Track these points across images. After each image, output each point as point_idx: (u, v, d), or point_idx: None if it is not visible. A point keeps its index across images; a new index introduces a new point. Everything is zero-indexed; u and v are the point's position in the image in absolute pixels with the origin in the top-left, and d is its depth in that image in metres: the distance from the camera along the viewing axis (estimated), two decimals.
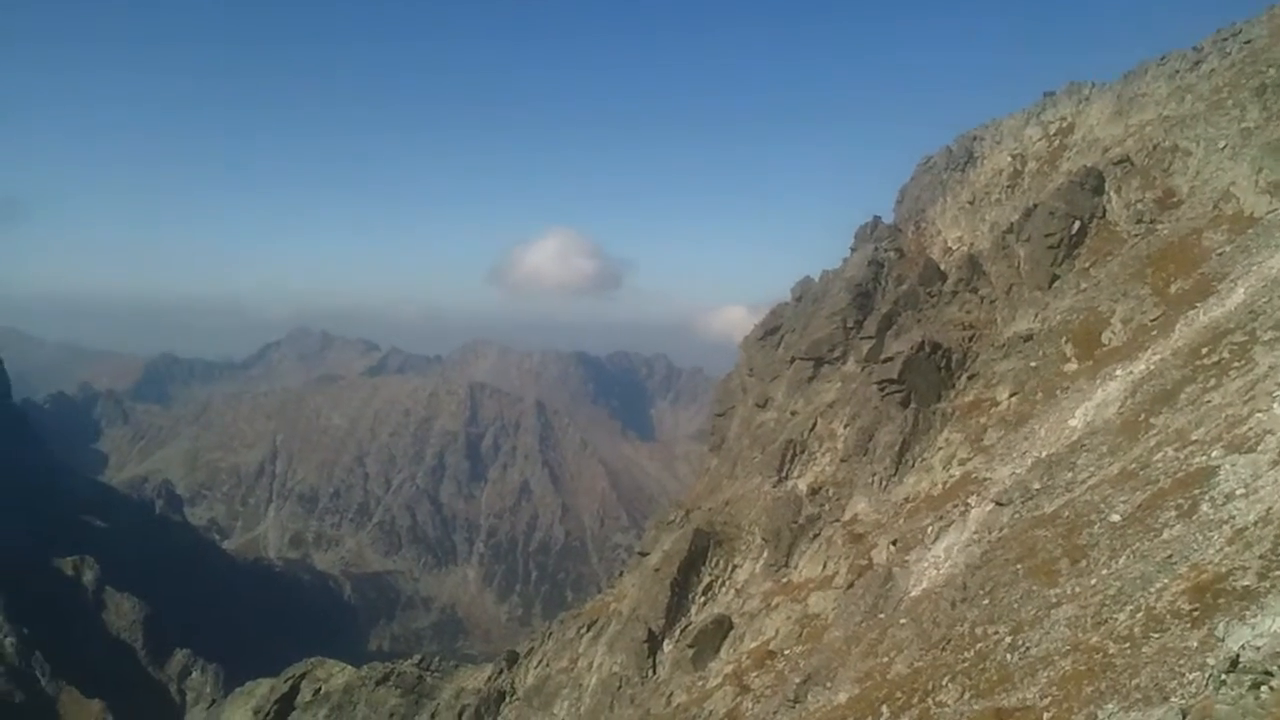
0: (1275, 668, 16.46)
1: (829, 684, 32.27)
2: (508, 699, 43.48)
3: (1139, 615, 25.31)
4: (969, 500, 42.75)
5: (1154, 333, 48.48)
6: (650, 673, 39.08)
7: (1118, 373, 46.63)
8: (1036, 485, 38.63)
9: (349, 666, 58.38)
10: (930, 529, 42.30)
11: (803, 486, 53.60)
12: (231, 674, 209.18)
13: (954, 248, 79.28)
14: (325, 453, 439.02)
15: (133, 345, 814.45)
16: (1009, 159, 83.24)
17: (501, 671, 46.23)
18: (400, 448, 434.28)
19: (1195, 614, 24.18)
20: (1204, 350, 41.68)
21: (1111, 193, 64.54)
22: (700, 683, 37.12)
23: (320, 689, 55.63)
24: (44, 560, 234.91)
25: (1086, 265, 61.73)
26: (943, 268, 74.41)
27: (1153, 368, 44.06)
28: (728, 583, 45.73)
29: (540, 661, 43.96)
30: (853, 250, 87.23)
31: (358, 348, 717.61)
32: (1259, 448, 30.11)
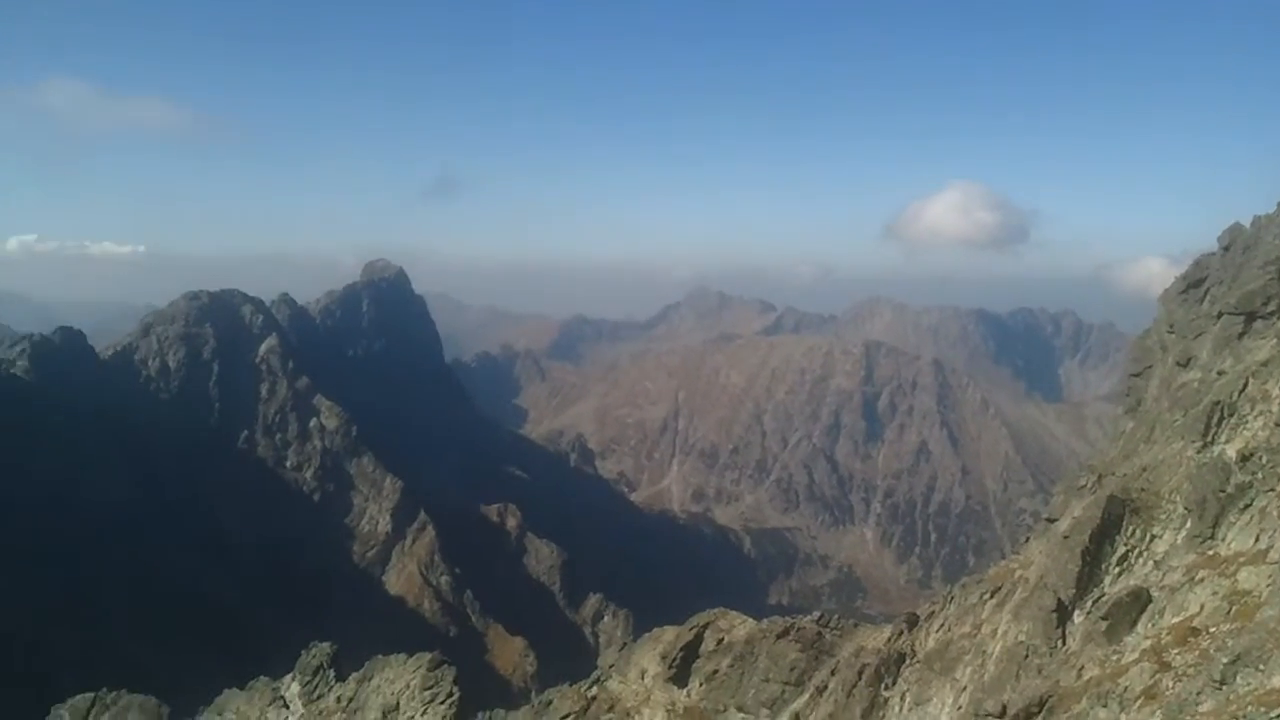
0: None
1: (1262, 666, 29.59)
2: (908, 661, 42.93)
3: None
4: None
5: None
6: (1059, 643, 37.39)
7: None
8: None
9: (750, 619, 59.54)
10: None
11: (1231, 452, 49.22)
12: (640, 619, 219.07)
13: None
14: (724, 410, 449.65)
15: (548, 308, 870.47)
16: None
17: (901, 633, 45.72)
18: (796, 406, 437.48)
19: None
20: None
21: None
22: (1114, 657, 35.10)
23: (723, 639, 57.10)
24: (473, 507, 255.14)
25: None
26: None
27: None
28: (1145, 553, 42.87)
29: (941, 625, 43.10)
30: None
31: (754, 307, 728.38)
32: None
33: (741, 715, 52.30)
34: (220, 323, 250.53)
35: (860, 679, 42.52)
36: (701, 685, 55.68)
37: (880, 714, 39.80)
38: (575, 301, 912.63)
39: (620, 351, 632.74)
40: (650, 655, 60.51)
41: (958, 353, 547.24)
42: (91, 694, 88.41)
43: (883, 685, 40.99)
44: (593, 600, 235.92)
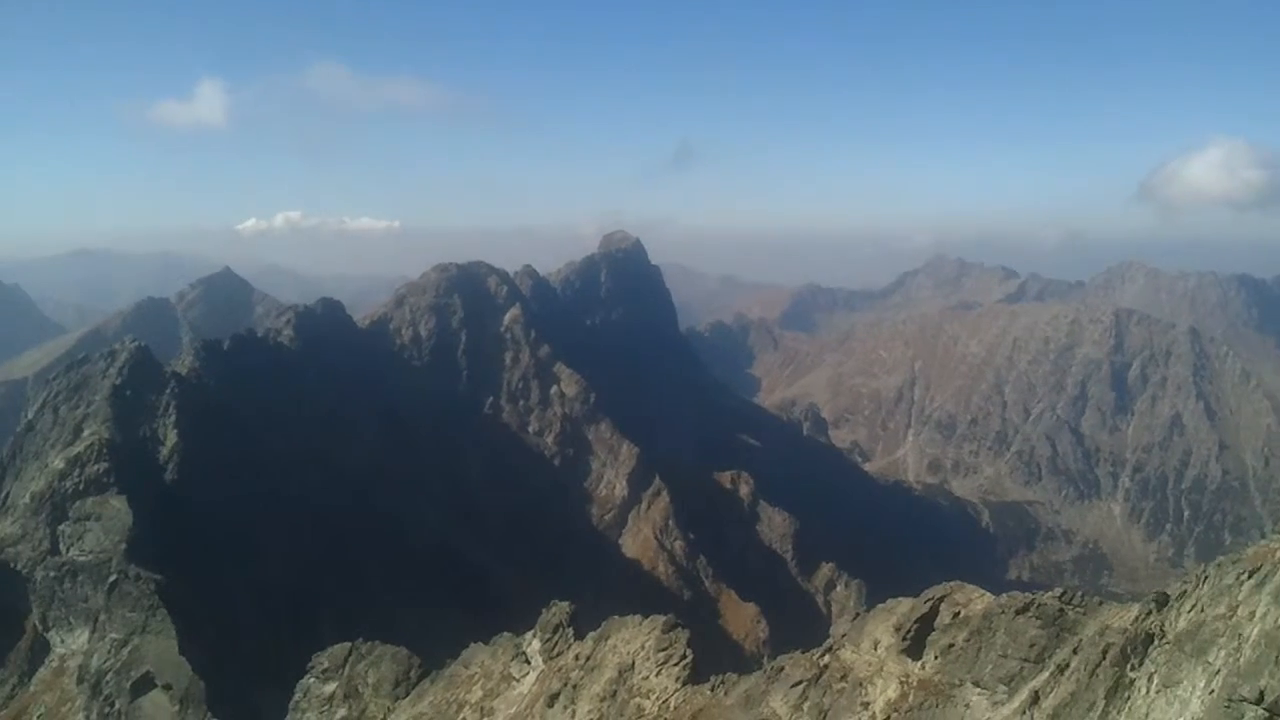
0: None
1: None
2: (1156, 642, 41.22)
3: None
4: None
5: None
6: None
7: None
8: None
9: (987, 593, 58.33)
10: None
11: None
12: (873, 590, 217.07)
13: None
14: (962, 380, 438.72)
15: (781, 277, 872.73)
16: None
17: (1150, 613, 43.81)
18: (1039, 376, 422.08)
19: None
20: None
21: None
22: None
23: (959, 613, 56.06)
24: (706, 474, 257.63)
25: None
26: None
27: None
28: None
29: (1194, 606, 41.09)
30: None
31: (995, 275, 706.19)
32: None
33: (978, 691, 51.41)
34: (468, 293, 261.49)
35: (1105, 658, 41.14)
36: (936, 659, 54.95)
37: (1125, 695, 38.44)
38: (811, 270, 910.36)
39: (855, 320, 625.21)
40: (883, 626, 60.03)
41: (1216, 321, 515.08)
42: (349, 644, 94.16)
43: (1129, 666, 39.55)
44: (825, 569, 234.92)
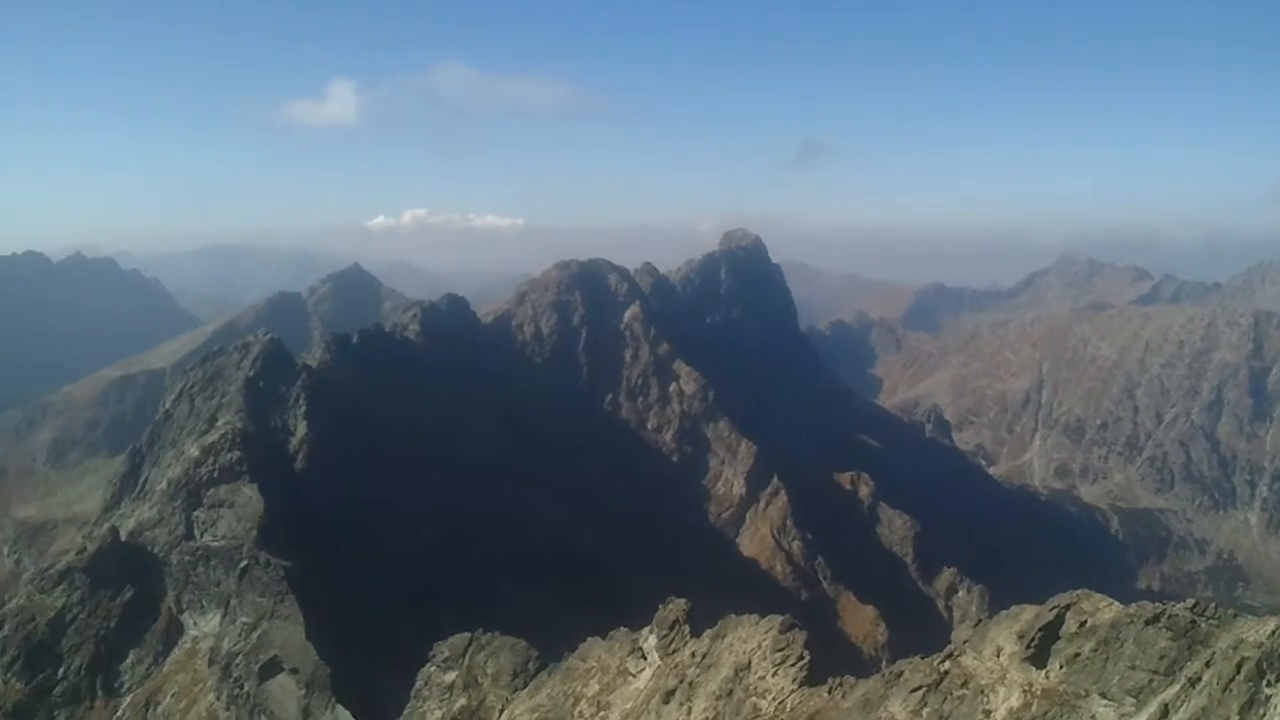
0: None
1: None
2: None
3: None
4: None
5: None
6: None
7: None
8: None
9: (1115, 603, 56.83)
10: None
11: None
12: (996, 596, 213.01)
13: None
14: (1092, 383, 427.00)
15: (904, 275, 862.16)
16: None
17: None
18: (1173, 380, 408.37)
19: None
20: None
21: None
22: None
23: (1086, 622, 54.70)
24: (826, 474, 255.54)
25: None
26: None
27: None
28: None
29: None
30: None
31: (1127, 275, 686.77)
32: None
33: (1104, 702, 50.17)
34: (588, 290, 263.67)
35: (1239, 673, 39.85)
36: (1061, 668, 53.77)
37: (1260, 712, 37.21)
38: (935, 269, 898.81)
39: (980, 321, 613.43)
40: (1007, 633, 58.93)
41: None
42: (469, 634, 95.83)
43: (1264, 681, 38.27)
44: (946, 574, 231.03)
